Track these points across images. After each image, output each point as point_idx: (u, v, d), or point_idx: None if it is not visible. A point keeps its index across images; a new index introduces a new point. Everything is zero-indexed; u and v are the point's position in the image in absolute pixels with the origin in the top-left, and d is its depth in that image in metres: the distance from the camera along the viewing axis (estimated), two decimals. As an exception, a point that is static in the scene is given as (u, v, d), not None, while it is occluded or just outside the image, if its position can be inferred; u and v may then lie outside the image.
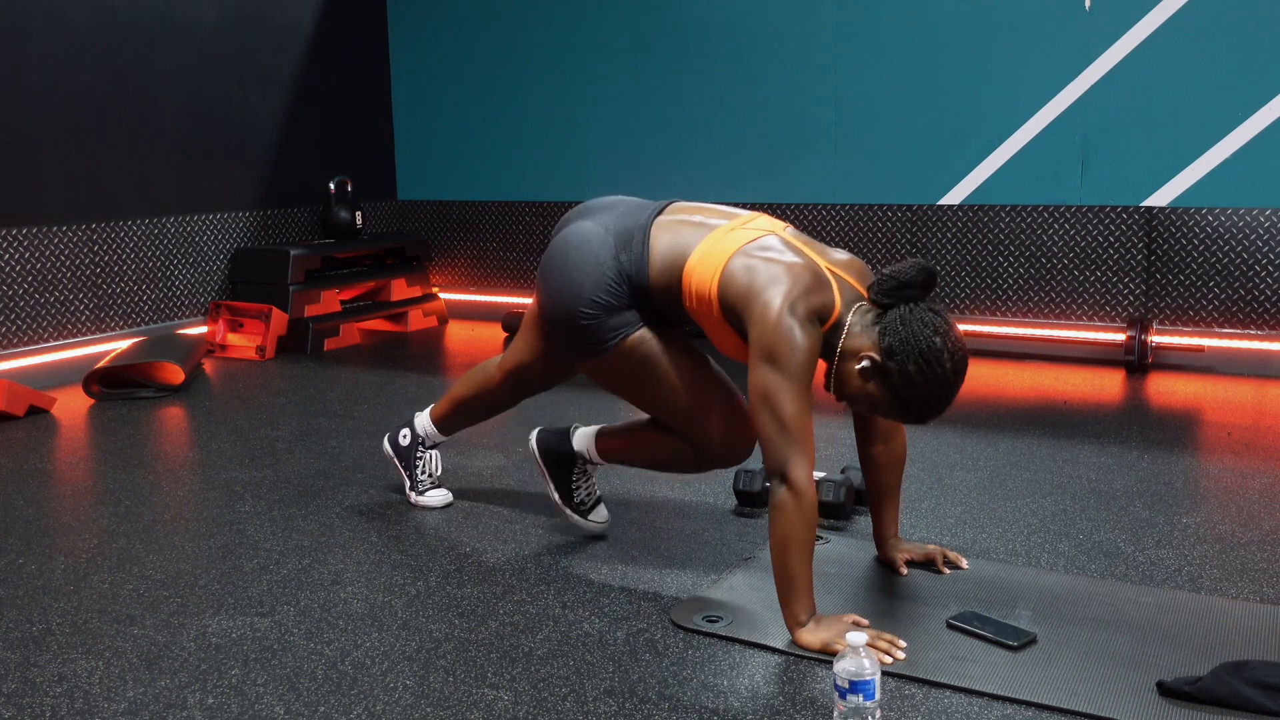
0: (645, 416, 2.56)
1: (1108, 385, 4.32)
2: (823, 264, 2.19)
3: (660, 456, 2.52)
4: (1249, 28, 4.27)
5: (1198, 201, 4.47)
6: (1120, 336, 4.61)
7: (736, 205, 5.36)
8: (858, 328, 2.14)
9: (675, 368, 2.37)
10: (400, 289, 5.91)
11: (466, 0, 5.99)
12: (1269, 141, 4.29)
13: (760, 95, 5.26)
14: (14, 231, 4.54)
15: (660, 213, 2.37)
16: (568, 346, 2.43)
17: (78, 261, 4.79)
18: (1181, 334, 4.55)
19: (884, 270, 2.13)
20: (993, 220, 4.88)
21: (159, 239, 5.14)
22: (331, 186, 5.73)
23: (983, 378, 4.47)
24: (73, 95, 4.73)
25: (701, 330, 2.34)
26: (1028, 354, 4.85)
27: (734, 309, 2.17)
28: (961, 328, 4.90)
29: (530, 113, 5.90)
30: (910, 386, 2.06)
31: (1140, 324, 4.48)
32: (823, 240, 5.22)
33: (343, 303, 5.62)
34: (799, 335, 2.06)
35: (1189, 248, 4.53)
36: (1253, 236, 4.40)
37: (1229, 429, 3.63)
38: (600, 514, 2.72)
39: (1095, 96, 4.57)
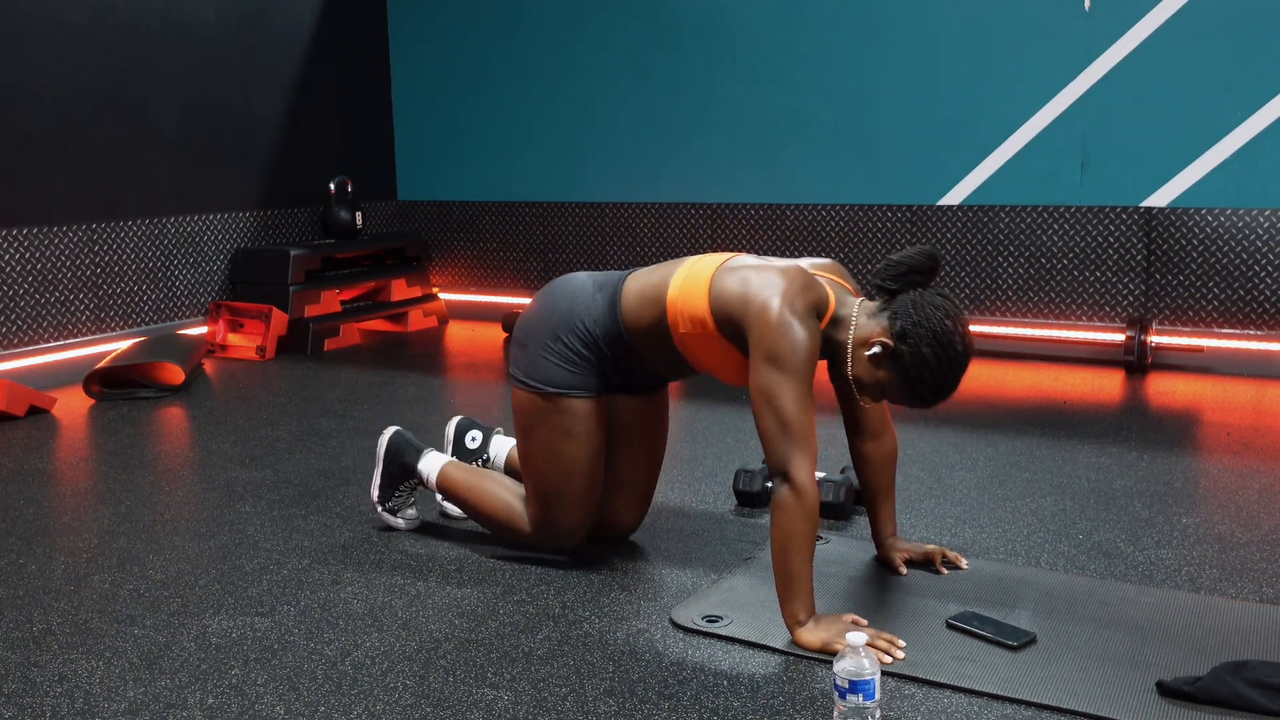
0: (505, 470, 2.68)
1: (1107, 385, 4.32)
2: (807, 269, 2.24)
3: (494, 513, 2.56)
4: (1249, 28, 4.27)
5: (1197, 202, 4.47)
6: (1120, 336, 4.61)
7: (736, 206, 5.38)
8: (864, 317, 2.17)
9: (577, 451, 2.41)
10: (400, 289, 5.92)
11: (466, 0, 5.99)
12: (1269, 141, 4.29)
13: (760, 95, 5.26)
14: (14, 231, 4.55)
15: (637, 270, 2.47)
16: (517, 364, 2.46)
17: (78, 261, 4.80)
18: (1181, 334, 4.55)
19: (889, 258, 2.16)
20: (992, 220, 4.89)
21: (159, 239, 5.14)
22: (331, 186, 5.73)
23: (983, 378, 4.47)
24: (73, 95, 4.74)
25: (694, 369, 2.38)
26: (1028, 354, 4.86)
27: (731, 319, 2.19)
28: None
29: (530, 113, 5.90)
30: (923, 368, 2.08)
31: (1140, 324, 4.48)
32: (822, 240, 5.23)
33: (343, 303, 5.63)
34: (800, 332, 2.08)
35: (1188, 248, 4.53)
36: (1252, 236, 4.40)
37: (1229, 429, 3.63)
38: (412, 516, 2.80)
39: (1095, 96, 4.57)
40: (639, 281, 2.38)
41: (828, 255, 5.23)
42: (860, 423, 2.40)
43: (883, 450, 2.42)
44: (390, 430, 2.75)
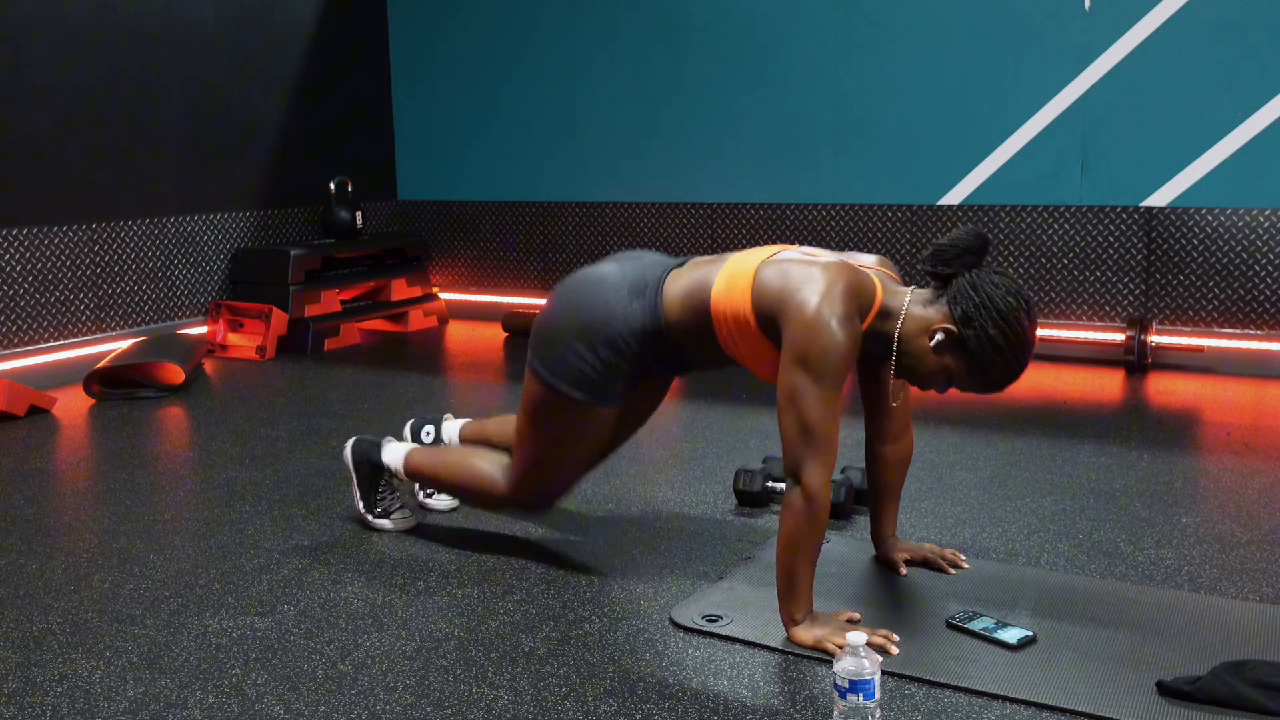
0: (461, 444, 2.70)
1: (1108, 385, 4.32)
2: (853, 264, 2.15)
3: (465, 481, 2.57)
4: (1249, 28, 4.27)
5: (1197, 201, 4.47)
6: (1120, 336, 4.61)
7: (736, 206, 5.38)
8: (917, 307, 2.08)
9: (582, 449, 2.41)
10: (400, 289, 5.92)
11: (467, 0, 5.99)
12: (1269, 141, 4.29)
13: (761, 95, 5.26)
14: (14, 231, 4.55)
15: (677, 266, 2.34)
16: (541, 358, 2.35)
17: (78, 261, 4.79)
18: (1181, 334, 4.55)
19: (936, 243, 2.09)
20: (993, 220, 4.89)
21: (159, 239, 5.14)
22: (332, 186, 5.73)
23: (983, 378, 4.46)
24: (73, 95, 4.74)
25: (734, 361, 2.28)
26: (1028, 354, 4.85)
27: (770, 315, 2.10)
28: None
29: (531, 113, 5.90)
30: (992, 350, 2.00)
31: (1140, 324, 4.48)
32: (821, 241, 5.22)
33: (343, 303, 5.62)
34: (837, 334, 1.99)
35: (1189, 248, 4.53)
36: (1253, 236, 4.40)
37: (1229, 429, 3.63)
38: (404, 515, 2.80)
39: (1095, 96, 4.57)
40: (680, 284, 2.26)
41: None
42: (883, 426, 2.36)
43: (900, 453, 2.40)
44: (350, 441, 2.81)
